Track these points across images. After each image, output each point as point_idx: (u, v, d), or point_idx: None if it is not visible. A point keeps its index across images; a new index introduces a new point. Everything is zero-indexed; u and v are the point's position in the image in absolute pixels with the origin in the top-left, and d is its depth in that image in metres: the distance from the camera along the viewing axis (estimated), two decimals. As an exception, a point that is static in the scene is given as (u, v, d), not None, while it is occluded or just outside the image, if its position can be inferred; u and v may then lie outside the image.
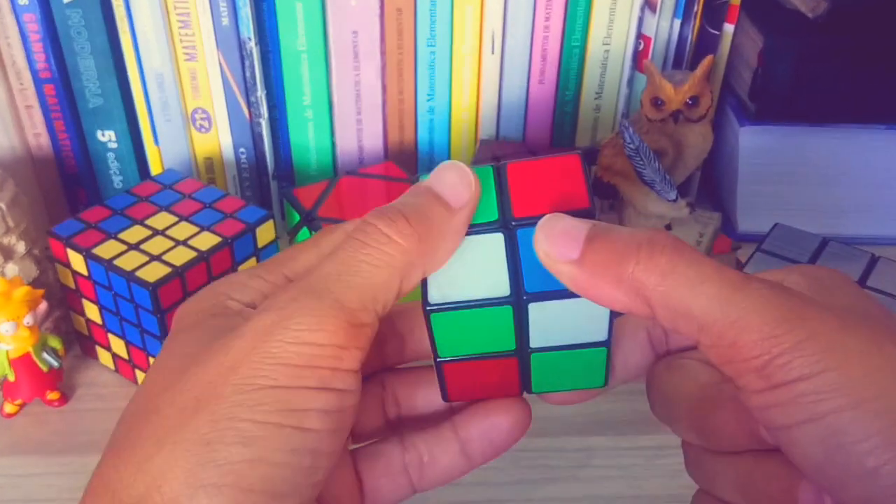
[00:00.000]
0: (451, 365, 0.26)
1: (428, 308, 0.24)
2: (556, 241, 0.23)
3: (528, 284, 0.24)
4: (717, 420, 0.25)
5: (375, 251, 0.23)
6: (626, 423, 0.47)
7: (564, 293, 0.24)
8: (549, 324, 0.25)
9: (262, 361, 0.22)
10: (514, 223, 0.24)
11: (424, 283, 0.24)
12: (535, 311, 0.24)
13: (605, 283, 0.23)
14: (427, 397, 0.28)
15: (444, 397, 0.27)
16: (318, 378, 0.22)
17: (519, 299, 0.24)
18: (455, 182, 0.24)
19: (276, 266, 0.26)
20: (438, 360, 0.26)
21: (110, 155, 0.60)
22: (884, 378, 0.21)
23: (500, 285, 0.24)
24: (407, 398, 0.29)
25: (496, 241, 0.24)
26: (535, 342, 0.25)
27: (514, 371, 0.26)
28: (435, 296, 0.24)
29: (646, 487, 0.44)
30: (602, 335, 0.25)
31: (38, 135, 0.59)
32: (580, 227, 0.23)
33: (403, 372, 0.29)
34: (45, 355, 0.47)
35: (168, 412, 0.22)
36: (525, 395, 0.28)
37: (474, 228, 0.24)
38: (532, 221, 0.24)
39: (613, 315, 0.25)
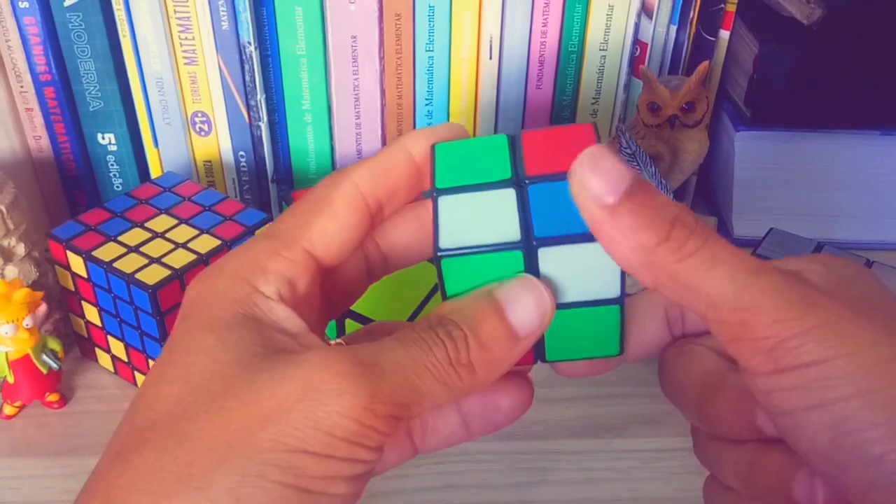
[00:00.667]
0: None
1: (439, 254, 0.24)
2: (598, 175, 0.22)
3: (539, 231, 0.24)
4: (718, 407, 0.25)
5: (438, 366, 0.23)
6: (623, 425, 0.47)
7: (575, 238, 0.24)
8: (559, 273, 0.24)
9: (304, 423, 0.21)
10: (526, 181, 0.24)
11: (436, 229, 0.24)
12: (546, 258, 0.24)
13: (625, 243, 0.22)
14: None
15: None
16: (349, 451, 0.21)
17: (529, 245, 0.24)
18: (531, 312, 0.24)
19: (293, 239, 0.25)
20: (439, 253, 0.25)
21: (110, 158, 0.60)
22: (894, 368, 0.21)
23: (510, 232, 0.24)
24: None
25: (508, 195, 0.24)
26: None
27: None
28: (446, 241, 0.24)
29: (643, 490, 0.44)
30: (615, 291, 0.25)
31: (38, 137, 0.59)
32: (624, 174, 0.22)
33: None
34: (45, 357, 0.47)
35: (193, 446, 0.21)
36: (534, 380, 0.27)
37: (487, 186, 0.24)
38: (544, 179, 0.24)
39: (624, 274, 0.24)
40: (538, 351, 0.26)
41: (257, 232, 0.25)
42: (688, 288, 0.22)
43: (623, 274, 0.24)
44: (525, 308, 0.24)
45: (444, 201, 0.25)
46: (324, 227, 0.25)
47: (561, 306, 0.25)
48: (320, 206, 0.25)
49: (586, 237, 0.24)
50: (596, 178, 0.22)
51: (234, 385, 0.21)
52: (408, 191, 0.27)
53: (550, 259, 0.24)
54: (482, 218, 0.24)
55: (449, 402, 0.24)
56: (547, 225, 0.24)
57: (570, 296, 0.25)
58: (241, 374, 0.22)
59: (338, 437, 0.21)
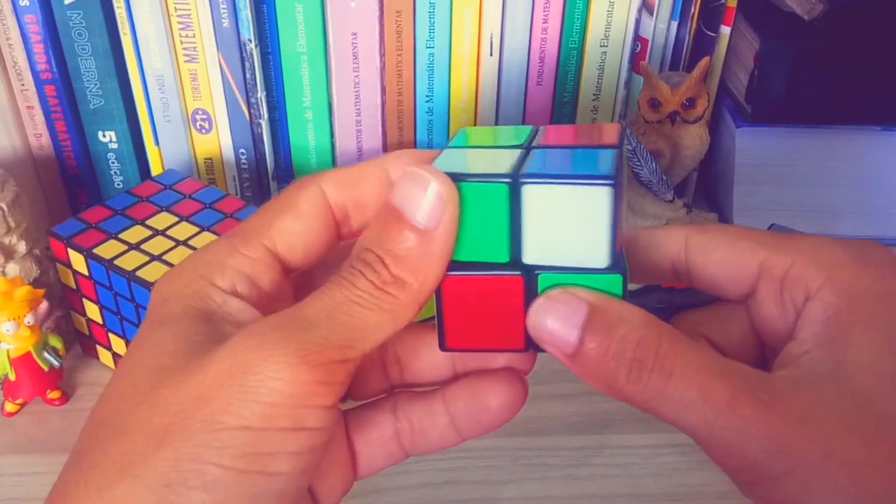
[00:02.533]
0: (452, 283, 0.24)
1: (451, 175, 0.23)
2: (552, 317, 0.23)
3: (529, 174, 0.23)
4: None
5: (366, 295, 0.22)
6: (623, 422, 0.47)
7: (560, 177, 0.23)
8: (546, 229, 0.23)
9: (236, 397, 0.20)
10: (532, 145, 0.24)
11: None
12: (531, 200, 0.23)
13: (595, 385, 0.23)
14: (430, 357, 0.27)
15: (442, 343, 0.25)
16: (292, 418, 0.21)
17: (516, 181, 0.23)
18: (428, 202, 0.22)
19: (254, 236, 0.25)
20: None
21: (111, 155, 0.60)
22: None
23: (501, 167, 0.23)
24: (409, 358, 0.28)
25: (511, 154, 0.24)
26: (530, 253, 0.23)
27: (519, 311, 0.24)
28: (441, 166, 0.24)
29: (643, 486, 0.44)
30: (603, 258, 0.23)
31: (39, 135, 0.59)
32: (579, 309, 0.22)
33: (406, 329, 0.28)
34: (46, 355, 0.47)
35: (135, 437, 0.21)
36: (533, 376, 0.27)
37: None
38: (553, 146, 0.24)
39: (614, 238, 0.23)
40: (528, 338, 0.25)
41: (220, 236, 0.25)
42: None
43: (613, 241, 0.23)
44: (420, 202, 0.22)
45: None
46: (286, 226, 0.25)
47: (553, 269, 0.24)
48: (284, 206, 0.25)
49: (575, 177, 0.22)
50: (551, 320, 0.23)
51: (172, 374, 0.21)
52: (376, 205, 0.26)
53: (536, 203, 0.23)
54: (479, 158, 0.25)
55: (400, 326, 0.23)
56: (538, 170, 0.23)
57: (559, 255, 0.23)
58: (179, 363, 0.22)
59: (275, 403, 0.20)
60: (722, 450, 0.22)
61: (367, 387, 0.28)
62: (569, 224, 0.23)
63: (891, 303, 0.23)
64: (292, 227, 0.25)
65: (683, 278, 0.27)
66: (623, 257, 0.24)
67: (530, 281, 0.24)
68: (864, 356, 0.22)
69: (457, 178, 0.23)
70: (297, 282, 0.27)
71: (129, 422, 0.21)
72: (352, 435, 0.27)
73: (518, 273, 0.24)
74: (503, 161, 0.24)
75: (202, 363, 0.21)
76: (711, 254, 0.26)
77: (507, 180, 0.23)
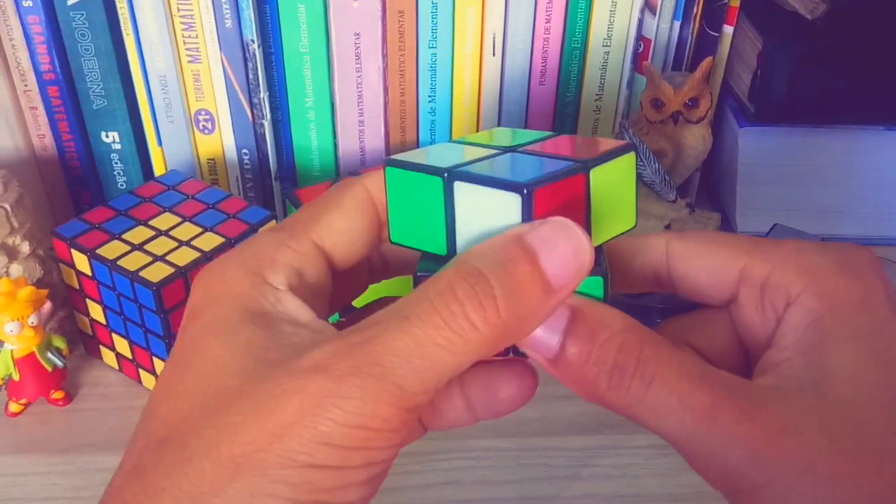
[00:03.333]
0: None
1: (386, 158, 0.25)
2: (534, 333, 0.22)
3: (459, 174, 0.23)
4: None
5: (455, 337, 0.20)
6: (625, 422, 0.47)
7: (486, 179, 0.22)
8: (474, 228, 0.23)
9: (311, 438, 0.20)
10: (518, 149, 0.24)
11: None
12: (460, 197, 0.23)
13: (578, 391, 0.23)
14: None
15: None
16: (365, 458, 0.21)
17: (450, 176, 0.23)
18: (568, 259, 0.21)
19: (302, 231, 0.24)
20: (392, 242, 0.25)
21: (114, 156, 0.61)
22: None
23: (451, 162, 0.24)
24: None
25: (484, 152, 0.25)
26: (461, 249, 0.23)
27: None
28: (397, 156, 0.25)
29: (644, 486, 0.44)
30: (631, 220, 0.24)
31: (42, 136, 0.59)
32: (561, 312, 0.22)
33: None
34: (50, 355, 0.47)
35: (203, 465, 0.20)
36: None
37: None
38: (534, 153, 0.24)
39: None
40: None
41: (261, 230, 0.24)
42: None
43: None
44: (561, 255, 0.21)
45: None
46: (331, 222, 0.25)
47: None
48: (329, 204, 0.25)
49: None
50: (532, 340, 0.22)
51: (240, 398, 0.21)
52: None
53: (465, 199, 0.23)
54: (446, 153, 0.25)
55: (468, 366, 0.21)
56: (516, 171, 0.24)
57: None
58: (246, 386, 0.21)
59: (347, 447, 0.20)
60: (702, 459, 0.22)
61: None
62: (492, 225, 0.22)
63: (872, 308, 0.23)
64: (338, 224, 0.25)
65: (666, 286, 0.27)
66: (604, 260, 0.24)
67: None
68: (844, 364, 0.22)
69: (403, 165, 0.24)
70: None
71: (196, 446, 0.21)
72: None
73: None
74: (463, 157, 0.24)
75: (272, 392, 0.21)
76: (692, 261, 0.26)
77: (443, 175, 0.23)
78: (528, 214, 0.22)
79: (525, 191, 0.21)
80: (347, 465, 0.20)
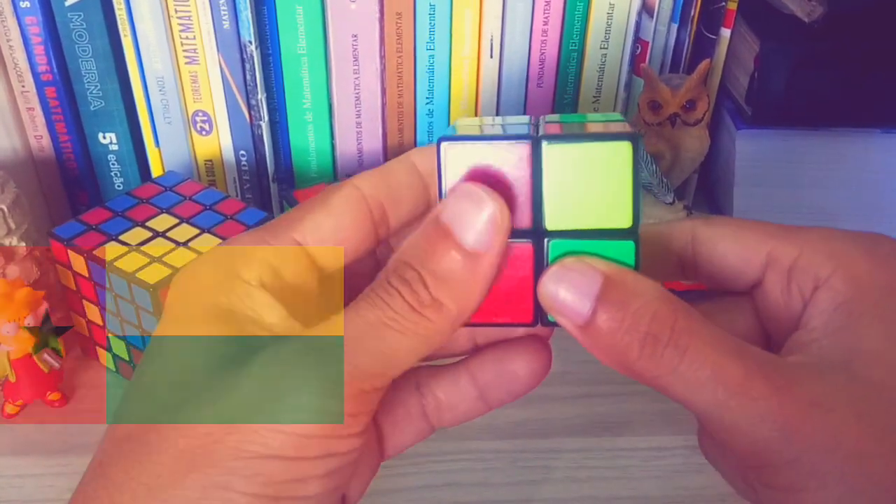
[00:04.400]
0: None
1: (440, 138, 0.23)
2: (565, 286, 0.22)
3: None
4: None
5: (400, 318, 0.21)
6: (623, 424, 0.47)
7: (580, 137, 0.23)
8: (567, 191, 0.23)
9: (264, 427, 0.20)
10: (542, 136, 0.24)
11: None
12: (551, 160, 0.22)
13: (606, 360, 0.22)
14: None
15: None
16: (323, 447, 0.20)
17: (536, 140, 0.22)
18: (482, 227, 0.22)
19: (284, 229, 0.24)
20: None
21: (111, 157, 0.60)
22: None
23: (518, 132, 0.23)
24: None
25: (523, 125, 0.24)
26: (550, 216, 0.23)
27: (528, 281, 0.23)
28: (449, 131, 0.24)
29: (642, 488, 0.44)
30: (626, 218, 0.23)
31: (39, 137, 0.59)
32: (594, 278, 0.22)
33: None
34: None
35: (161, 458, 0.20)
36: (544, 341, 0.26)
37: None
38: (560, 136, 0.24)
39: (638, 198, 0.23)
40: (537, 312, 0.24)
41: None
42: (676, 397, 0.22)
43: (637, 202, 0.23)
44: (473, 224, 0.22)
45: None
46: (317, 220, 0.24)
47: (567, 234, 0.23)
48: (316, 204, 0.25)
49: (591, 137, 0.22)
50: (563, 289, 0.22)
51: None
52: (412, 199, 0.25)
53: (556, 164, 0.22)
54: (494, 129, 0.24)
55: (431, 350, 0.22)
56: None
57: (576, 217, 0.23)
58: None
59: (305, 435, 0.20)
60: (731, 432, 0.22)
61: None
62: (590, 183, 0.22)
63: None
64: (324, 222, 0.24)
65: (690, 273, 0.27)
66: (637, 225, 0.23)
67: (540, 249, 0.23)
68: (873, 346, 0.22)
69: (479, 139, 0.23)
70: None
71: (155, 440, 0.21)
72: (377, 417, 0.26)
73: (528, 241, 0.23)
74: (519, 129, 0.24)
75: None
76: (718, 245, 0.26)
77: (528, 141, 0.22)
78: (441, 167, 0.23)
79: (635, 137, 0.22)
80: (304, 456, 0.20)
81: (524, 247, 0.23)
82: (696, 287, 0.55)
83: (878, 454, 0.21)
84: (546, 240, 0.23)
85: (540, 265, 0.23)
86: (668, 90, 0.57)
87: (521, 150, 0.23)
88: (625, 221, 0.23)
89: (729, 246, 0.25)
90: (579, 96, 0.63)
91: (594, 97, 0.63)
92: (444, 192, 0.23)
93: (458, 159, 0.23)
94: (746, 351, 0.22)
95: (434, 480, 0.44)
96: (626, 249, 0.23)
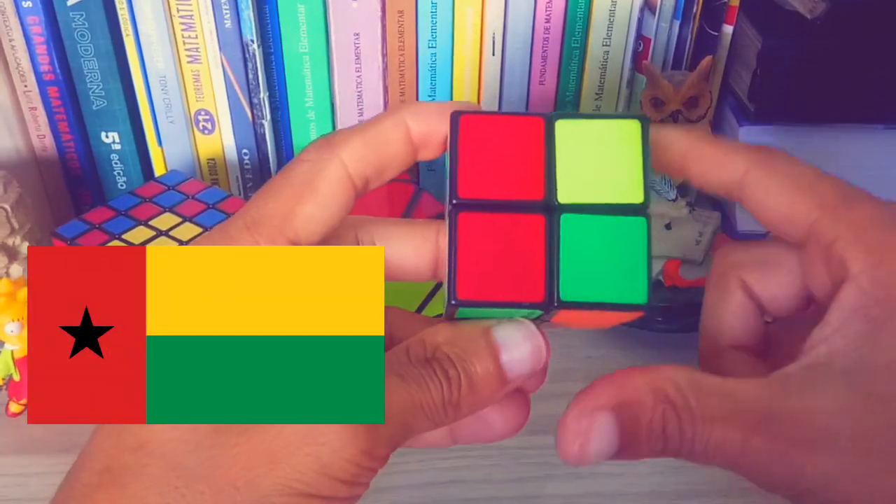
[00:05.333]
0: (469, 221, 0.23)
1: (455, 112, 0.23)
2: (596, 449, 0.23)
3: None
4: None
5: (432, 406, 0.23)
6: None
7: (591, 115, 0.23)
8: (579, 166, 0.23)
9: (310, 468, 0.21)
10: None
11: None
12: (563, 135, 0.23)
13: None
14: None
15: (453, 293, 0.23)
16: (349, 491, 0.22)
17: (549, 117, 0.23)
18: (525, 358, 0.24)
19: (276, 230, 0.23)
20: (455, 201, 0.23)
21: (114, 156, 0.60)
22: None
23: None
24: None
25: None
26: (563, 192, 0.23)
27: (539, 247, 0.23)
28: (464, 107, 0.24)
29: (647, 484, 0.44)
30: (637, 193, 0.23)
31: (42, 136, 0.59)
32: (609, 439, 0.23)
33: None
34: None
35: (202, 487, 0.20)
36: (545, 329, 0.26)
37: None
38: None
39: (648, 176, 0.23)
40: (550, 279, 0.23)
41: (229, 220, 0.23)
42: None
43: (646, 173, 0.23)
44: (520, 354, 0.24)
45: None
46: (307, 213, 0.23)
47: (579, 208, 0.23)
48: (304, 190, 0.23)
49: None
50: (593, 445, 0.23)
51: (234, 428, 0.21)
52: (398, 168, 0.25)
53: (567, 133, 0.23)
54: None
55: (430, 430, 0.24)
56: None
57: (588, 190, 0.23)
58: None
59: (340, 479, 0.21)
60: (757, 480, 0.22)
61: None
62: (602, 159, 0.23)
63: None
64: (316, 214, 0.23)
65: (736, 198, 0.26)
66: (647, 198, 0.23)
67: (551, 222, 0.23)
68: (886, 359, 0.21)
69: (495, 112, 0.24)
70: None
71: (191, 465, 0.21)
72: None
73: (539, 212, 0.23)
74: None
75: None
76: (769, 197, 0.24)
77: (542, 115, 0.23)
78: (455, 138, 0.23)
79: (643, 117, 0.23)
80: (337, 496, 0.21)
81: (536, 218, 0.23)
82: (697, 283, 0.55)
83: (878, 474, 0.21)
84: (557, 213, 0.23)
85: (551, 239, 0.23)
86: (670, 87, 0.57)
87: (535, 124, 0.23)
88: (636, 197, 0.23)
89: (778, 202, 0.24)
90: (581, 93, 0.63)
91: (596, 94, 0.63)
92: (457, 159, 0.23)
93: (472, 131, 0.23)
94: (740, 408, 0.22)
95: (438, 477, 0.44)
96: (637, 226, 0.23)
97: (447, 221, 0.23)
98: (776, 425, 0.22)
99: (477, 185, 0.23)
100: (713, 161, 0.25)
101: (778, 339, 0.27)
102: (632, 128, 0.23)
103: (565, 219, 0.23)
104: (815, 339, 0.23)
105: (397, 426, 0.22)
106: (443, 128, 0.24)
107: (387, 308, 0.27)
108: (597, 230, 0.23)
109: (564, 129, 0.23)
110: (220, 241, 0.23)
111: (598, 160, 0.23)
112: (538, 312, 0.24)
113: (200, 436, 0.21)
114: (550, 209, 0.23)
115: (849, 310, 0.22)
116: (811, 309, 0.26)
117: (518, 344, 0.24)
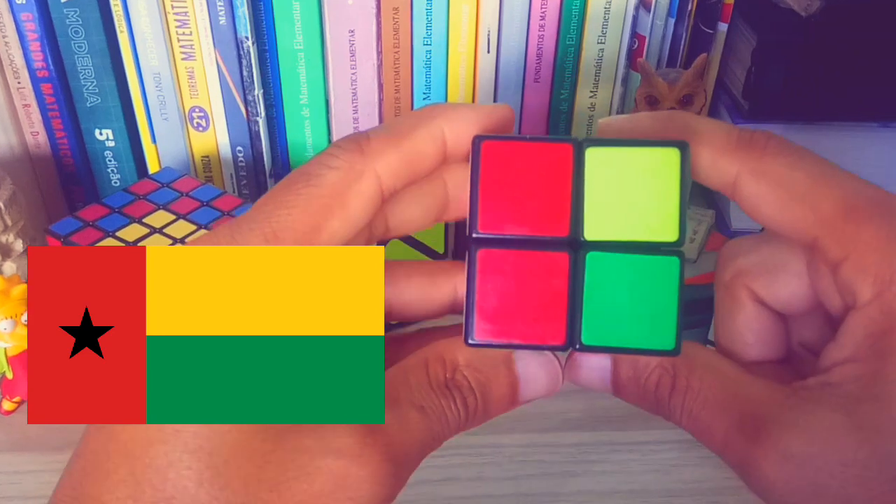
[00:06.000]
0: (489, 258, 0.22)
1: (477, 136, 0.22)
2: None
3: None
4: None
5: (448, 430, 0.23)
6: (620, 418, 0.47)
7: (626, 142, 0.21)
8: (609, 198, 0.21)
9: None
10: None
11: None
12: (594, 164, 0.21)
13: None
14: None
15: (469, 334, 0.22)
16: None
17: (579, 143, 0.21)
18: (540, 388, 0.24)
19: (299, 242, 0.21)
20: (476, 236, 0.22)
21: (108, 153, 0.60)
22: None
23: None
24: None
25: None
26: (590, 228, 0.21)
27: (562, 287, 0.22)
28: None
29: (640, 482, 0.44)
30: (672, 230, 0.21)
31: (35, 133, 0.59)
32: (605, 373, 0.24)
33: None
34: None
35: None
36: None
37: None
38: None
39: (685, 211, 0.21)
40: (572, 322, 0.22)
41: (237, 225, 0.22)
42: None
43: (683, 214, 0.21)
44: (537, 384, 0.24)
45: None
46: (334, 231, 0.22)
47: (607, 246, 0.22)
48: (334, 204, 0.21)
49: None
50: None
51: (265, 469, 0.20)
52: (430, 182, 0.24)
53: (598, 165, 0.21)
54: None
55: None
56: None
57: (617, 227, 0.21)
58: (271, 453, 0.20)
59: None
60: (742, 477, 0.22)
61: None
62: (634, 192, 0.21)
63: None
64: (341, 232, 0.22)
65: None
66: (685, 240, 0.22)
67: (576, 261, 0.22)
68: (891, 391, 0.20)
69: (519, 138, 0.22)
70: None
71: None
72: None
73: (564, 250, 0.22)
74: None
75: (303, 469, 0.21)
76: (763, 207, 0.22)
77: (570, 142, 0.21)
78: (476, 164, 0.22)
79: (684, 144, 0.21)
80: None
81: (559, 256, 0.22)
82: (691, 281, 0.55)
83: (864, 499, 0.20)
84: (583, 251, 0.22)
85: (576, 279, 0.22)
86: (664, 85, 0.57)
87: (563, 151, 0.21)
88: (670, 234, 0.21)
89: (773, 213, 0.22)
90: (576, 91, 0.63)
91: (591, 92, 0.63)
92: (477, 188, 0.22)
93: (495, 158, 0.22)
94: (738, 400, 0.22)
95: (431, 475, 0.44)
96: (669, 266, 0.21)
97: (467, 256, 0.22)
98: (756, 432, 0.21)
99: (498, 219, 0.22)
100: (698, 161, 0.23)
101: (804, 340, 0.25)
102: (670, 156, 0.21)
103: (591, 257, 0.22)
104: (828, 360, 0.22)
105: (416, 461, 0.22)
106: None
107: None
108: (625, 270, 0.21)
109: (595, 158, 0.21)
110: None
111: (630, 192, 0.21)
112: None
113: (228, 489, 0.20)
114: (576, 246, 0.22)
115: (860, 337, 0.21)
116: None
117: (538, 377, 0.24)
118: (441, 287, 0.25)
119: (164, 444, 0.20)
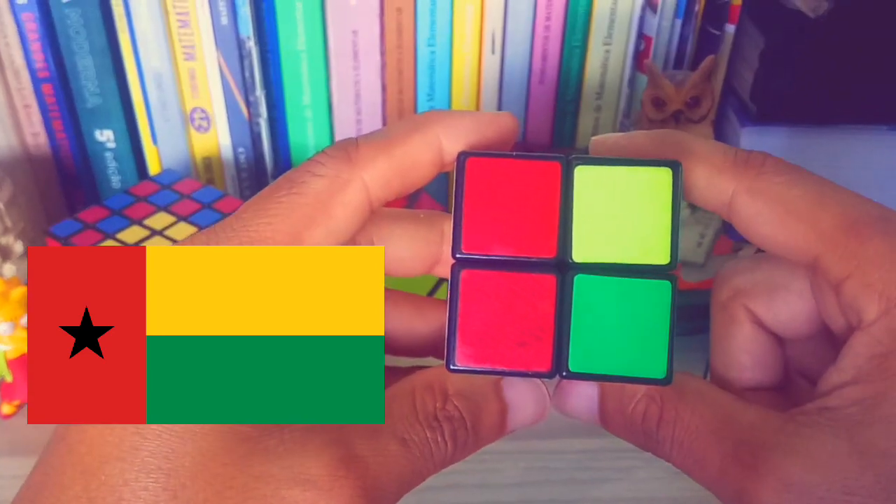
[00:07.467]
0: (473, 280, 0.21)
1: (462, 153, 0.21)
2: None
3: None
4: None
5: (438, 464, 0.22)
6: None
7: (616, 161, 0.21)
8: (597, 218, 0.21)
9: None
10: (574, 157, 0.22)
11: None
12: (583, 183, 0.21)
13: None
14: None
15: (451, 359, 0.21)
16: None
17: (568, 160, 0.21)
18: (529, 417, 0.23)
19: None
20: (459, 256, 0.21)
21: (108, 155, 0.60)
22: None
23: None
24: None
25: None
26: (578, 249, 0.21)
27: (548, 311, 0.21)
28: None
29: (645, 489, 0.44)
30: (663, 253, 0.21)
31: (36, 134, 0.59)
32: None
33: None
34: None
35: None
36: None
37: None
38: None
39: (677, 233, 0.21)
40: (558, 349, 0.21)
41: (222, 231, 0.22)
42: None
43: (675, 236, 0.21)
44: (525, 413, 0.23)
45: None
46: (317, 240, 0.21)
47: (596, 268, 0.21)
48: (317, 213, 0.21)
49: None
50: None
51: (225, 495, 0.19)
52: (420, 187, 0.23)
53: (588, 180, 0.21)
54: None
55: None
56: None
57: (606, 249, 0.21)
58: (232, 479, 0.19)
59: None
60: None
61: None
62: (625, 213, 0.21)
63: None
64: (323, 241, 0.21)
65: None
66: (674, 259, 0.21)
67: (563, 284, 0.21)
68: (892, 415, 0.20)
69: (505, 155, 0.21)
70: None
71: None
72: None
73: (551, 272, 0.21)
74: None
75: (272, 497, 0.19)
76: (760, 227, 0.22)
77: (558, 160, 0.21)
78: (462, 181, 0.21)
79: (676, 164, 0.21)
80: None
81: (546, 278, 0.21)
82: (698, 286, 0.54)
83: None
84: (571, 273, 0.21)
85: (563, 302, 0.21)
86: (671, 87, 0.57)
87: (551, 169, 0.21)
88: (661, 257, 0.21)
89: (772, 232, 0.22)
90: (582, 93, 0.63)
91: (597, 93, 0.63)
92: (462, 207, 0.21)
93: (480, 176, 0.21)
94: (732, 425, 0.21)
95: (435, 482, 0.44)
96: (661, 290, 0.21)
97: (450, 277, 0.21)
98: (750, 458, 0.21)
99: (483, 239, 0.21)
100: (693, 180, 0.22)
101: (803, 367, 0.25)
102: (661, 176, 0.21)
103: (579, 280, 0.21)
104: (827, 384, 0.21)
105: (393, 498, 0.21)
106: (477, 145, 0.22)
107: (402, 297, 0.26)
108: (615, 294, 0.21)
109: (584, 177, 0.21)
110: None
111: (620, 213, 0.21)
112: None
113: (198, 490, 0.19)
114: (564, 268, 0.21)
115: (864, 357, 0.20)
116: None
117: (527, 405, 0.23)
118: (429, 321, 0.24)
119: (120, 461, 0.19)
